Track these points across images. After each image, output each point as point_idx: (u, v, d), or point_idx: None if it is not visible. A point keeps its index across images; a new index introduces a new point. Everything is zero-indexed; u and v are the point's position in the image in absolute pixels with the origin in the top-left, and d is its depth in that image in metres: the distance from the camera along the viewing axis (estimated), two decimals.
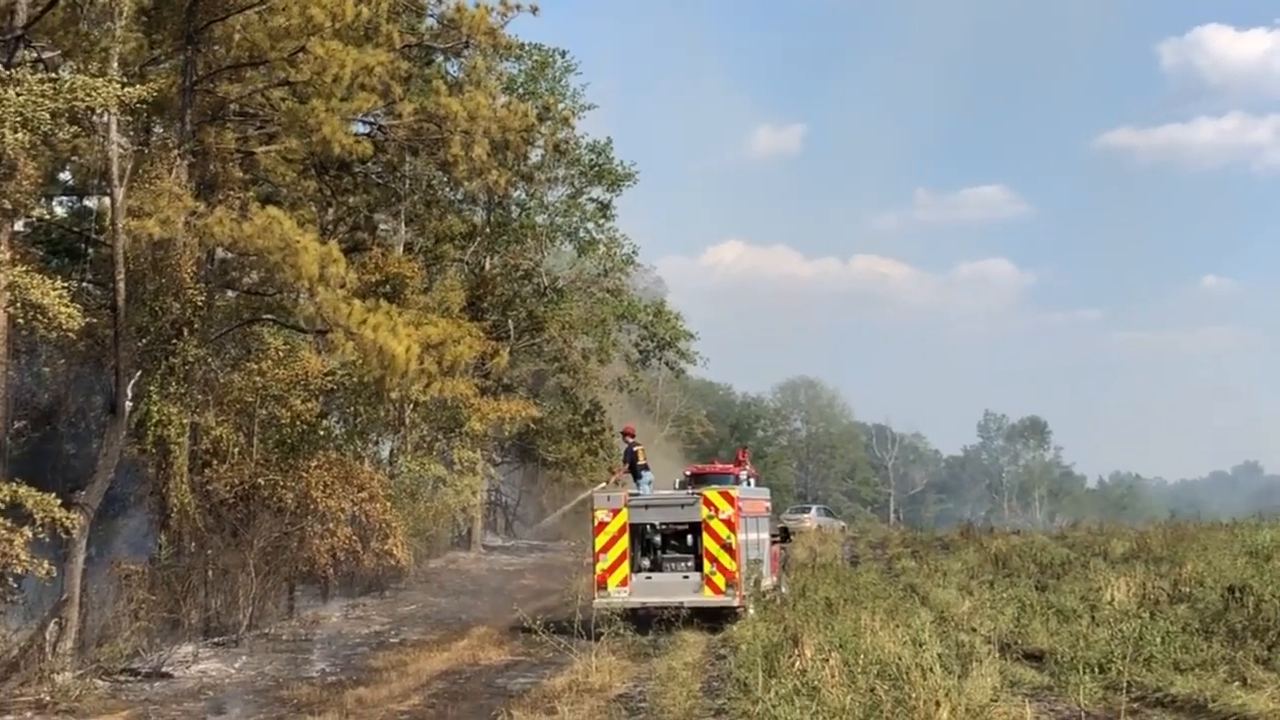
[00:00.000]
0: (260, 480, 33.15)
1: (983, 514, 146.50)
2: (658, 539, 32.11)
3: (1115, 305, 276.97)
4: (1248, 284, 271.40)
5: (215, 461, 33.31)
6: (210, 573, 31.67)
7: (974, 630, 23.74)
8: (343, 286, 30.77)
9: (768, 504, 36.83)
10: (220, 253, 33.41)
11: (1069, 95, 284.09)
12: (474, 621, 34.39)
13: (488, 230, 58.54)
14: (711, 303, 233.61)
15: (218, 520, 32.65)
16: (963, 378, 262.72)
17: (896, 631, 20.37)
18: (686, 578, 30.92)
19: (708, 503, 30.74)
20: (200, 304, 32.33)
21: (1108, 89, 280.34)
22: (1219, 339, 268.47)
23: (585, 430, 65.80)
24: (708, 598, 30.19)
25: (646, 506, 31.81)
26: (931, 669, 15.80)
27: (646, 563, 31.78)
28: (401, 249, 47.54)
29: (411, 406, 44.59)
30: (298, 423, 34.79)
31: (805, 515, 75.33)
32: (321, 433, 36.15)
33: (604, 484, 36.75)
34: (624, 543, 30.90)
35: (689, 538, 31.61)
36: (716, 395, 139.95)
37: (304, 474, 33.78)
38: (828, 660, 17.36)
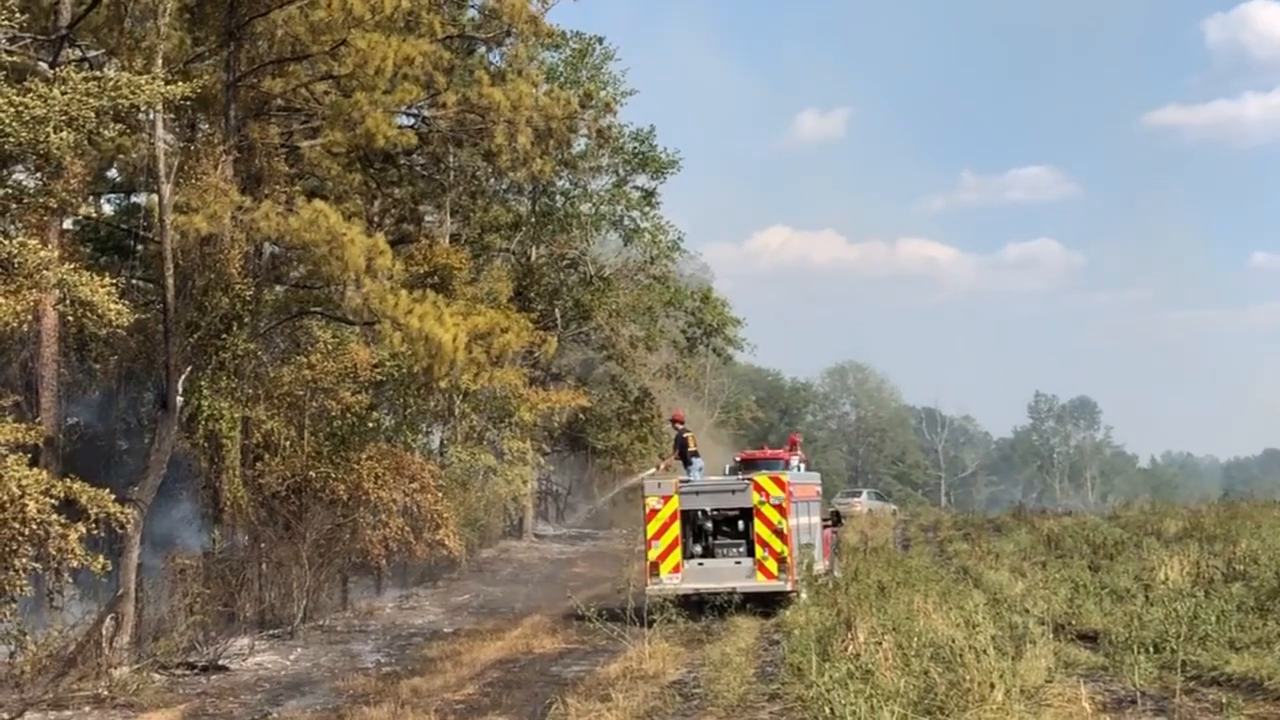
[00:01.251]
0: (312, 473, 33.23)
1: (1034, 495, 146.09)
2: (709, 525, 32.05)
3: (1164, 284, 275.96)
4: None
5: (266, 455, 33.43)
6: (264, 565, 31.77)
7: (1027, 612, 23.67)
8: (390, 278, 30.86)
9: (818, 488, 36.78)
10: (267, 247, 33.56)
11: (1115, 73, 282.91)
12: (527, 610, 34.44)
13: (533, 220, 58.60)
14: (758, 288, 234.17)
15: (270, 513, 32.77)
16: (1012, 359, 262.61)
17: (949, 614, 20.35)
18: (739, 563, 30.91)
19: (759, 488, 30.72)
20: (248, 298, 32.45)
21: (1153, 67, 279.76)
22: (1269, 315, 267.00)
23: (634, 418, 65.70)
24: (760, 583, 30.19)
25: (697, 493, 31.83)
26: (985, 651, 15.78)
27: (698, 549, 31.79)
28: (448, 240, 47.56)
29: (461, 397, 44.70)
30: (348, 415, 34.86)
31: (856, 499, 75.46)
32: (371, 424, 36.23)
33: (654, 470, 36.68)
34: (675, 529, 30.92)
35: (740, 523, 31.58)
36: (765, 381, 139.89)
37: (355, 465, 33.86)
38: (881, 643, 17.32)
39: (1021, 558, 37.46)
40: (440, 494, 36.93)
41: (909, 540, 51.87)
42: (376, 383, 36.95)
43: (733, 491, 31.61)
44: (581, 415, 62.51)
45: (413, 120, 39.88)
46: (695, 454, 34.71)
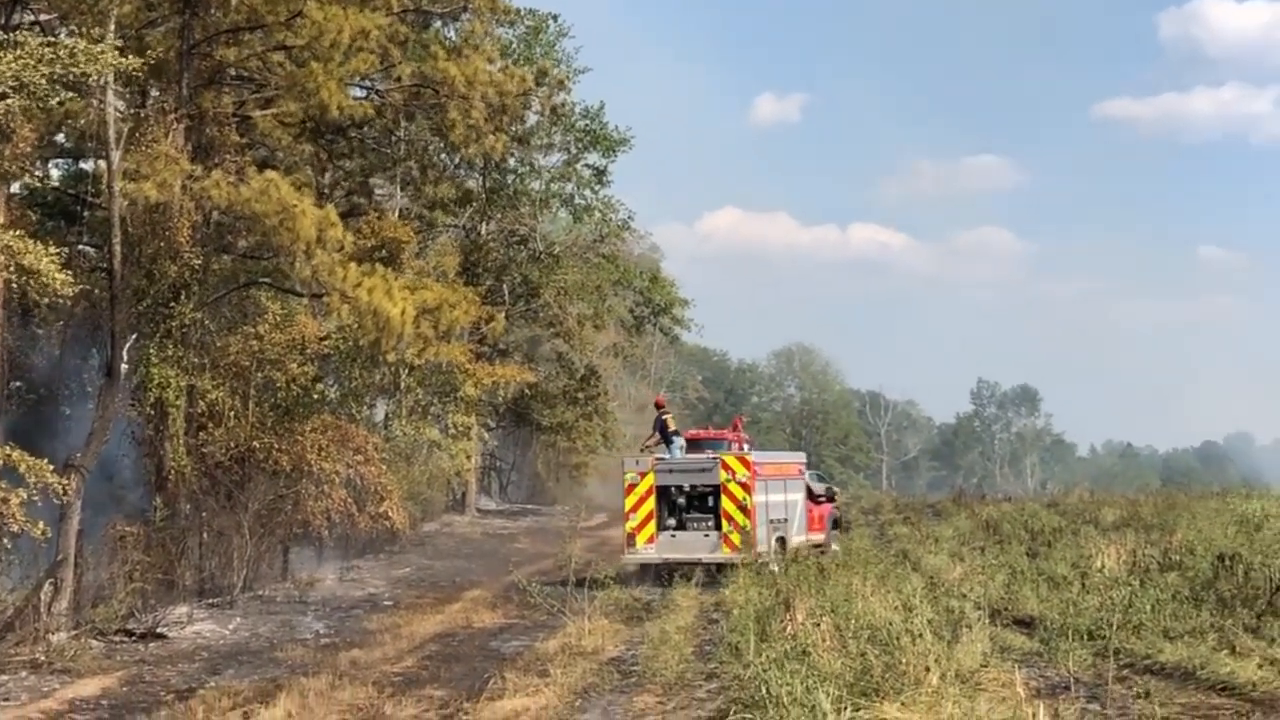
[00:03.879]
0: (256, 443, 33.23)
1: (975, 481, 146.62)
2: (682, 500, 33.97)
3: (1112, 275, 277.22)
4: (1244, 254, 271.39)
5: (211, 424, 33.36)
6: (205, 535, 31.79)
7: (965, 596, 23.89)
8: (340, 250, 30.81)
9: (801, 466, 38.49)
10: (216, 216, 33.42)
11: (1069, 65, 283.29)
12: (468, 584, 34.57)
13: (483, 195, 58.58)
14: (708, 269, 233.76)
15: (213, 483, 32.78)
16: (959, 346, 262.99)
17: (888, 597, 20.50)
18: (707, 536, 32.94)
19: (726, 466, 32.94)
20: (197, 267, 32.33)
21: (1107, 59, 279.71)
22: (1214, 309, 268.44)
23: (580, 395, 65.81)
24: (725, 554, 31.88)
25: (671, 470, 34.07)
26: (921, 634, 15.93)
27: (672, 522, 33.77)
28: (397, 214, 47.52)
29: (407, 371, 44.67)
30: (293, 386, 34.82)
31: None
32: (317, 396, 36.16)
33: (643, 449, 37.64)
34: (651, 503, 33.34)
35: (710, 499, 33.40)
36: (711, 361, 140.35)
37: (299, 437, 33.88)
38: (819, 625, 17.45)
39: (960, 542, 37.82)
40: (384, 467, 37.01)
41: (850, 523, 52.08)
42: (323, 355, 36.91)
43: (703, 470, 33.79)
44: (527, 391, 62.70)
45: (366, 93, 39.80)
46: (676, 434, 36.35)
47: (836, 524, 40.43)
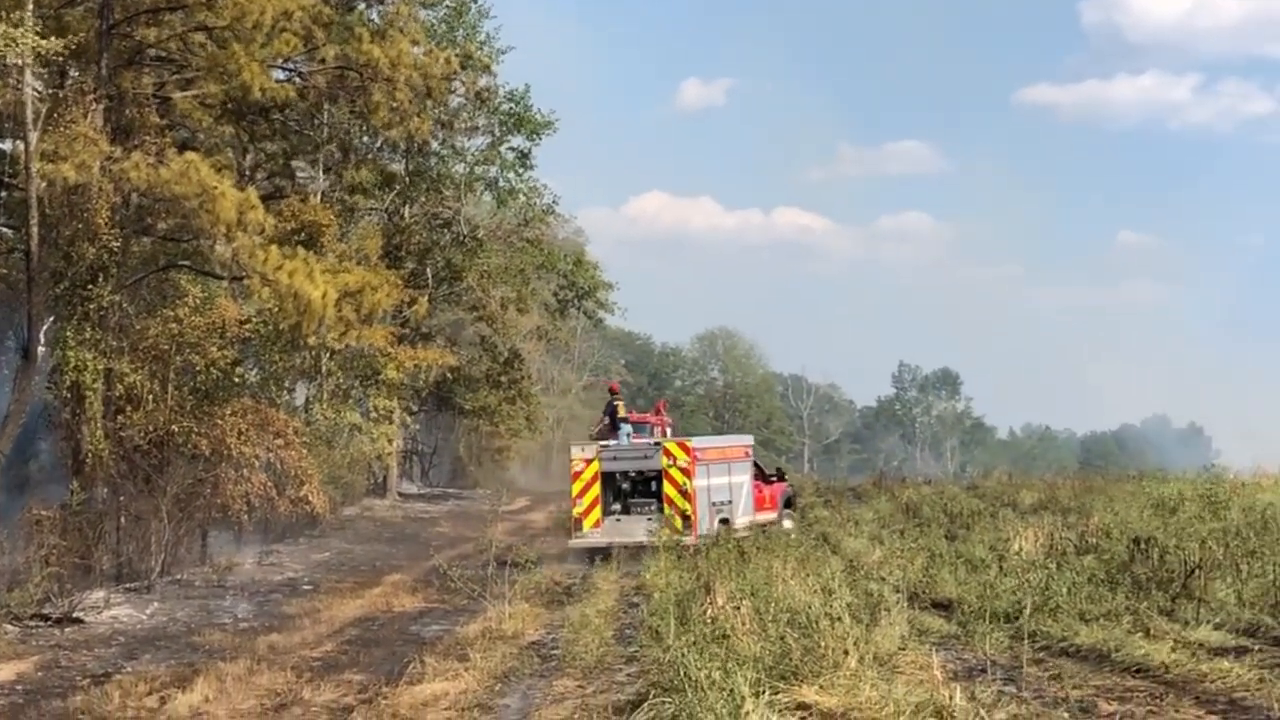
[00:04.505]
0: (174, 427, 33.00)
1: (895, 464, 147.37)
2: (626, 485, 35.22)
3: (1032, 260, 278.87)
4: (1162, 240, 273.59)
5: (129, 408, 33.12)
6: (123, 519, 31.54)
7: (884, 579, 23.97)
8: (261, 233, 30.68)
9: (748, 449, 39.10)
10: (136, 198, 33.17)
11: (992, 50, 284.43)
12: (388, 569, 34.54)
13: (406, 179, 58.38)
14: (634, 253, 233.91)
15: (131, 466, 32.57)
16: (880, 330, 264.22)
17: (807, 580, 20.56)
18: (650, 519, 33.34)
19: (667, 453, 34.22)
20: (116, 249, 32.11)
21: (1029, 45, 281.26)
22: (1132, 294, 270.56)
23: (504, 379, 65.73)
24: (666, 538, 30.97)
25: (615, 457, 35.13)
26: (840, 618, 15.98)
27: (617, 506, 34.94)
28: (320, 197, 47.30)
29: (328, 354, 44.55)
30: (213, 370, 34.61)
31: None
32: (237, 380, 35.96)
33: (591, 436, 38.72)
34: (596, 489, 34.47)
35: (653, 484, 34.56)
36: (635, 345, 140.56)
37: (219, 421, 33.67)
38: (739, 608, 17.48)
39: (880, 526, 38.01)
40: (304, 451, 36.88)
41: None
42: (243, 339, 36.74)
43: (645, 456, 35.01)
44: (450, 375, 62.58)
45: (289, 75, 39.56)
46: (624, 420, 37.50)
47: (789, 503, 41.15)
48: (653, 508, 34.14)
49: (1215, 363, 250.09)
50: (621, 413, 37.75)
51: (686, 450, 34.19)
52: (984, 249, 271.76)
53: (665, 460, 34.01)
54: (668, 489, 33.79)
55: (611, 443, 36.09)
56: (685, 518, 33.06)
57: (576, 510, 34.61)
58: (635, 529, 33.59)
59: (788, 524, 38.17)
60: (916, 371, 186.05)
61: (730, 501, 35.68)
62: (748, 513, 36.52)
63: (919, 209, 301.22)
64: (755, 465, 38.91)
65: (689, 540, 30.69)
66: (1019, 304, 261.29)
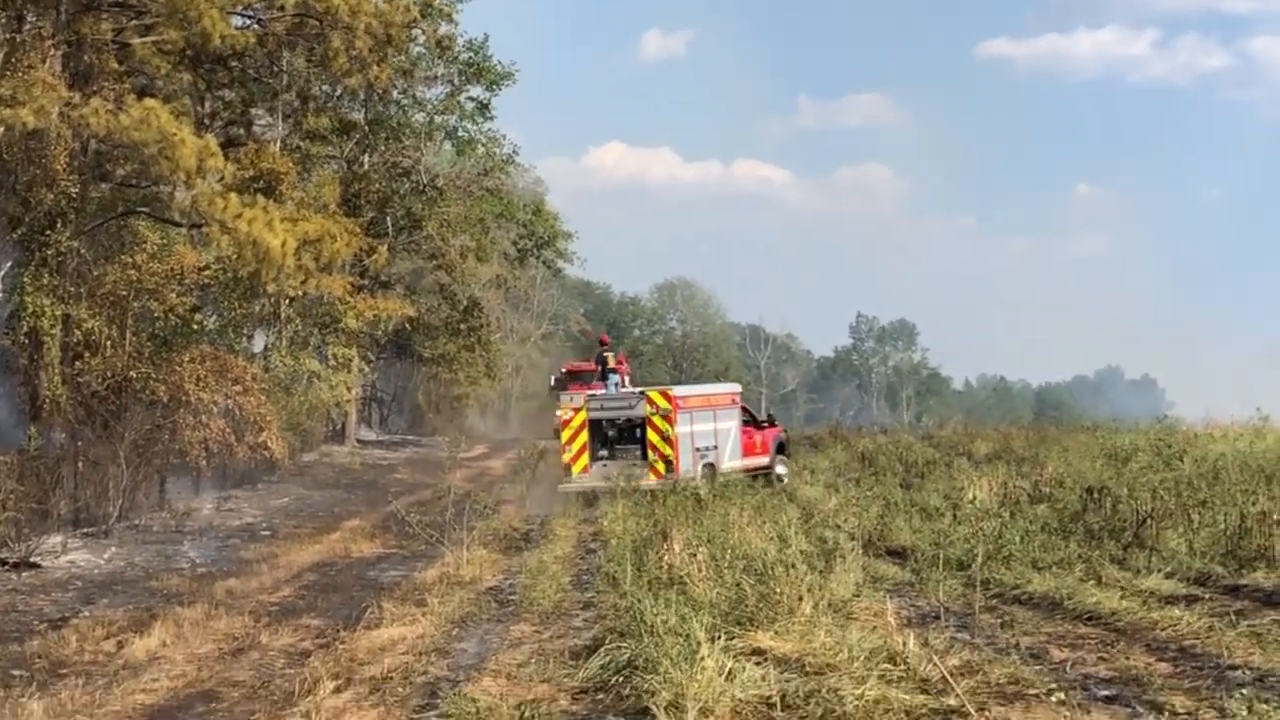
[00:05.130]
0: (133, 373, 32.98)
1: (851, 414, 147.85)
2: (613, 432, 36.34)
3: (990, 212, 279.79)
4: (1118, 193, 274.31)
5: (87, 354, 33.07)
6: (80, 464, 31.53)
7: (839, 527, 24.17)
8: (220, 181, 30.62)
9: (734, 396, 39.86)
10: (94, 144, 33.07)
11: (950, 4, 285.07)
12: (347, 514, 34.63)
13: (365, 127, 58.20)
14: (593, 204, 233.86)
15: (89, 412, 32.53)
16: (838, 281, 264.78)
17: (764, 528, 20.73)
18: (634, 465, 34.32)
19: (650, 401, 35.37)
20: (74, 195, 32.05)
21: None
22: (1088, 246, 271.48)
23: (463, 327, 65.76)
24: (651, 482, 32.99)
25: (602, 405, 36.53)
26: (795, 565, 16.11)
27: (604, 453, 36.05)
28: (278, 145, 47.16)
29: (287, 302, 44.51)
30: (171, 316, 34.60)
31: None
32: (195, 326, 35.97)
33: (552, 387, 41.34)
34: (584, 436, 35.73)
35: (637, 431, 35.64)
36: (594, 294, 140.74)
37: (177, 367, 33.67)
38: (695, 555, 17.57)
39: (836, 474, 38.30)
40: (263, 397, 36.90)
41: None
42: (202, 286, 36.70)
43: (629, 405, 36.39)
44: (409, 324, 62.53)
45: (248, 21, 39.36)
46: (614, 370, 39.95)
47: (782, 448, 41.70)
48: (637, 453, 35.19)
49: (1169, 316, 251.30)
50: (611, 364, 39.79)
51: (668, 398, 35.30)
52: (942, 201, 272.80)
53: (648, 408, 35.14)
54: (651, 435, 34.87)
55: (599, 392, 37.88)
56: (668, 462, 34.26)
57: (566, 457, 35.83)
58: (620, 473, 33.98)
59: (780, 469, 39.58)
60: (873, 322, 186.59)
61: (715, 447, 36.65)
62: (735, 458, 37.46)
63: (877, 161, 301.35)
64: (746, 412, 39.94)
65: (671, 484, 31.44)
66: (976, 256, 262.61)
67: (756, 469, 37.94)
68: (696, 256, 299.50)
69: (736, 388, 41.94)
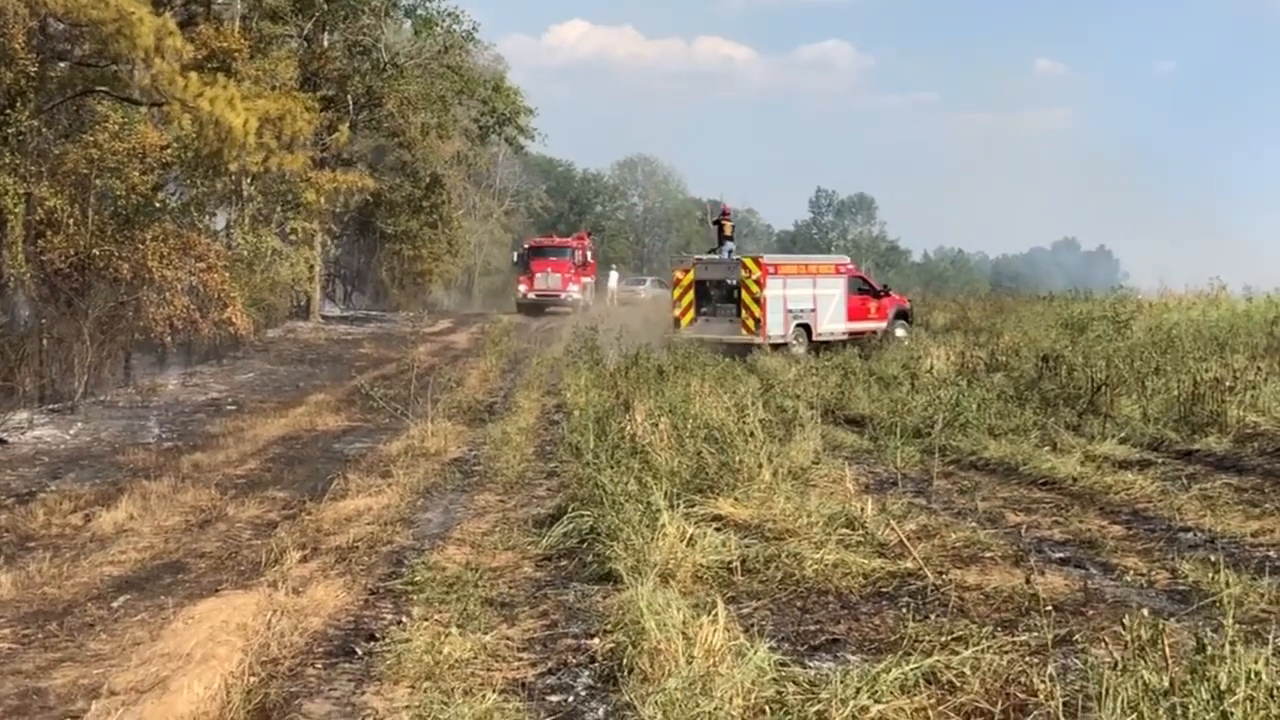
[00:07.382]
0: (96, 251, 32.95)
1: None
2: (715, 292, 41.81)
3: (949, 87, 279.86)
4: (1077, 68, 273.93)
5: (50, 232, 33.01)
6: (45, 341, 31.56)
7: (798, 397, 24.46)
8: (179, 60, 30.50)
9: (840, 265, 44.77)
10: (52, 23, 32.88)
11: None
12: (311, 389, 34.66)
13: (324, 4, 57.73)
14: (555, 82, 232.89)
15: (53, 290, 32.57)
16: (799, 157, 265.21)
17: (724, 398, 20.94)
18: (731, 321, 40.63)
19: (744, 266, 40.58)
20: (33, 74, 31.88)
21: None
22: (1046, 121, 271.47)
23: (425, 204, 65.81)
24: (742, 336, 39.49)
25: (706, 269, 42.49)
26: (755, 433, 16.36)
27: (706, 309, 41.84)
28: (236, 22, 46.87)
29: (249, 179, 44.43)
30: (134, 195, 34.52)
31: (640, 287, 76.37)
32: (158, 205, 35.90)
33: (711, 250, 45.59)
34: (691, 294, 42.06)
35: (735, 293, 40.79)
36: (557, 171, 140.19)
37: (140, 245, 33.63)
38: (657, 425, 17.75)
39: None
40: (226, 274, 36.89)
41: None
42: (164, 164, 36.60)
43: (729, 268, 41.66)
44: (371, 200, 62.45)
45: None
46: (730, 238, 45.44)
47: (904, 315, 45.61)
48: (733, 311, 40.52)
49: (1124, 188, 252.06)
50: (727, 231, 45.37)
51: (760, 265, 40.24)
52: (901, 77, 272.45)
53: (743, 273, 40.28)
54: (744, 297, 40.09)
55: (708, 257, 44.01)
56: (756, 321, 39.61)
57: (675, 311, 42.30)
58: (719, 328, 40.44)
59: (900, 333, 43.48)
60: (833, 196, 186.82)
61: (813, 309, 41.26)
62: (838, 320, 42.01)
63: (838, 38, 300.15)
64: (866, 281, 45.26)
65: (758, 340, 38.83)
66: (935, 130, 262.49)
67: (864, 332, 42.04)
68: (659, 134, 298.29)
69: (844, 259, 46.84)
